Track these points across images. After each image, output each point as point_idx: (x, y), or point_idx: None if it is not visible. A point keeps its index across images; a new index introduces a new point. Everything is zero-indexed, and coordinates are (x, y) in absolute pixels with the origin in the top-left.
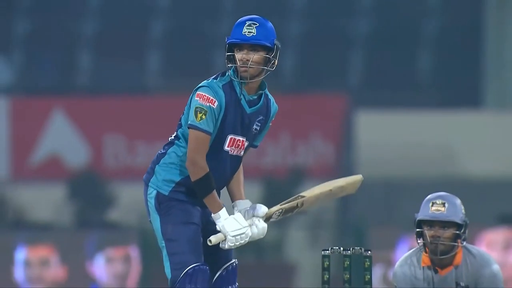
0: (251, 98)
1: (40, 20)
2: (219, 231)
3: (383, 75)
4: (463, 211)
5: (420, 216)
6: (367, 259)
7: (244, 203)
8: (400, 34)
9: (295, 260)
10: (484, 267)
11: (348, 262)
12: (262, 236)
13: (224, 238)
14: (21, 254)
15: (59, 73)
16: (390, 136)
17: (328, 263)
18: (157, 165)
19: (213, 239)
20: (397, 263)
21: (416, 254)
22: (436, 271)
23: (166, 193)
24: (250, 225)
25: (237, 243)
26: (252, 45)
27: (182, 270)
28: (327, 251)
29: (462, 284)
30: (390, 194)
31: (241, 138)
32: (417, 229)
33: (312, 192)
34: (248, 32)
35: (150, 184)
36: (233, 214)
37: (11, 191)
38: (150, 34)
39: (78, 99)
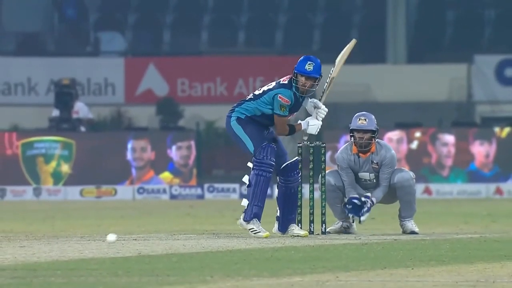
0: (301, 98)
1: (137, 33)
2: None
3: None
4: (375, 122)
5: (352, 126)
6: (322, 148)
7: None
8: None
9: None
10: (387, 152)
11: (312, 150)
12: (324, 115)
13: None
14: (130, 144)
15: (152, 41)
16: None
17: (301, 150)
18: (240, 107)
19: (306, 137)
20: (339, 151)
21: (350, 146)
22: (359, 156)
23: (243, 117)
24: (316, 116)
25: (318, 130)
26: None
27: (260, 145)
28: (300, 144)
29: (375, 161)
30: (337, 113)
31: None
32: (350, 134)
33: (336, 69)
34: (309, 68)
35: (232, 114)
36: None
37: (125, 109)
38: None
39: (162, 57)
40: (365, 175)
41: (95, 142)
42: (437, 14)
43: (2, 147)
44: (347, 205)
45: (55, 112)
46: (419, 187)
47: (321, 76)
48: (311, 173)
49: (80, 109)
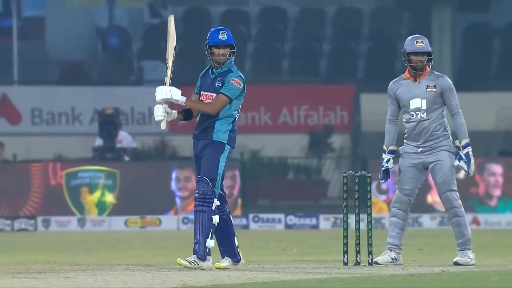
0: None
1: (186, 44)
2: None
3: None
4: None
5: (408, 49)
6: (368, 178)
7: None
8: None
9: (328, 178)
10: (444, 78)
11: (357, 180)
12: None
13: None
14: (174, 174)
15: (195, 70)
16: (378, 108)
17: (346, 180)
18: None
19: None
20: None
21: (401, 76)
22: (415, 80)
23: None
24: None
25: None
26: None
27: None
28: (345, 173)
29: (431, 85)
30: (379, 141)
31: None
32: (408, 58)
33: (169, 52)
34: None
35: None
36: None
37: (169, 138)
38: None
39: None
40: (416, 102)
41: (139, 172)
42: (483, 43)
43: (46, 177)
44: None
45: (99, 142)
46: (467, 218)
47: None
48: (356, 203)
49: (124, 138)
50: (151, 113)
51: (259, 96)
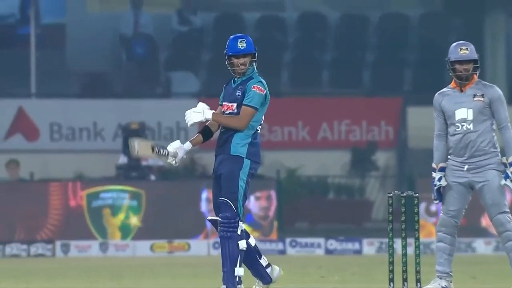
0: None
1: (219, 54)
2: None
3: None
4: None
5: (452, 58)
6: (415, 199)
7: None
8: None
9: (372, 199)
10: (493, 88)
11: (404, 201)
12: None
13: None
14: (204, 194)
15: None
16: (426, 122)
17: (391, 201)
18: None
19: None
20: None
21: (447, 86)
22: (461, 90)
23: None
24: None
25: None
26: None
27: None
28: (391, 193)
29: (479, 94)
30: (427, 158)
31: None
32: (452, 67)
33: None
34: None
35: None
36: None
37: (199, 155)
38: (281, 60)
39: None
40: (462, 112)
41: (167, 192)
42: None
43: (65, 198)
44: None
45: (123, 159)
46: None
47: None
48: (403, 226)
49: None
50: (179, 127)
51: (296, 110)
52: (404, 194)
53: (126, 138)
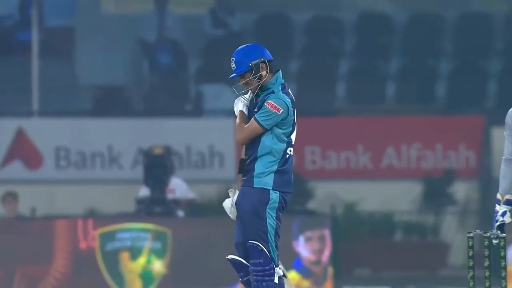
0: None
1: None
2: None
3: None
4: None
5: None
6: (502, 240)
7: None
8: None
9: (449, 240)
10: None
11: (487, 242)
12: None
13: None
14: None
15: None
16: None
17: (472, 242)
18: None
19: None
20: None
21: None
22: None
23: None
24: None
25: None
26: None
27: None
28: (471, 233)
29: None
30: None
31: None
32: None
33: None
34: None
35: None
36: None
37: (237, 186)
38: (338, 72)
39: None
40: None
41: (197, 231)
42: None
43: (74, 239)
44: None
45: (144, 191)
46: None
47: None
48: (486, 274)
49: (177, 187)
50: (212, 153)
51: (355, 131)
52: (488, 234)
53: (148, 165)
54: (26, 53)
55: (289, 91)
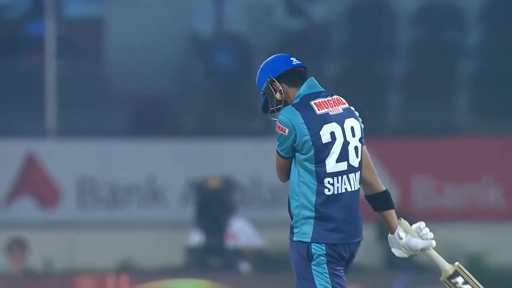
0: None
1: (349, 62)
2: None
3: None
4: None
5: None
6: None
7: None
8: None
9: None
10: None
11: None
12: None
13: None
14: None
15: (369, 114)
16: None
17: None
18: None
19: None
20: None
21: None
22: None
23: None
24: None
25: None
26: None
27: None
28: None
29: None
30: None
31: None
32: None
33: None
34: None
35: None
36: None
37: None
38: (459, 74)
39: (387, 140)
40: None
41: None
42: None
43: None
44: None
45: (196, 237)
46: None
47: (266, 86)
48: None
49: (241, 231)
50: (287, 186)
51: (482, 157)
52: None
53: (201, 202)
54: (38, 52)
55: (319, 101)
